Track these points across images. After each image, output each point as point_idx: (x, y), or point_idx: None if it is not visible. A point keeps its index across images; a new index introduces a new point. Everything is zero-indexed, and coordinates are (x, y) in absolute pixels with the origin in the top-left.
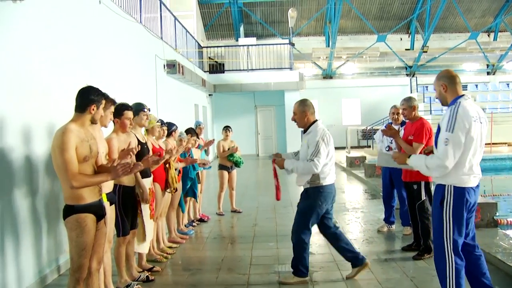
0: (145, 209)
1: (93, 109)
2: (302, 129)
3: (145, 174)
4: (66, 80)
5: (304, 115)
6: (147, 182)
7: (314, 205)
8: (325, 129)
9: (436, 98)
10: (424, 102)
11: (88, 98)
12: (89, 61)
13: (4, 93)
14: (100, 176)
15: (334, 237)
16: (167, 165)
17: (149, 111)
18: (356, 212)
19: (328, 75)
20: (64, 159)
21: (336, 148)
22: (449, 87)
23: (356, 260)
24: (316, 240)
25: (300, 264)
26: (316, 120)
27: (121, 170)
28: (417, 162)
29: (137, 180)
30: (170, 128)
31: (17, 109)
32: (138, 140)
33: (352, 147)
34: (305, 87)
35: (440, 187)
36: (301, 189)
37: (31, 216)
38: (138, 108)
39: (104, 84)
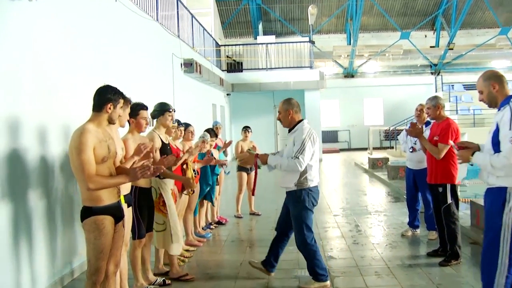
0: (170, 208)
1: (109, 108)
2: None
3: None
4: (81, 79)
5: (287, 114)
6: (170, 183)
7: (307, 206)
8: (311, 129)
9: (481, 100)
10: (449, 101)
11: (105, 97)
12: (105, 60)
13: (19, 93)
14: (118, 178)
15: (280, 240)
16: (185, 166)
17: (174, 111)
18: (379, 215)
19: (349, 74)
20: (81, 160)
21: (358, 149)
22: (500, 87)
23: (268, 265)
24: (338, 244)
25: (316, 268)
26: (302, 120)
27: (140, 172)
28: (481, 160)
29: (170, 176)
30: (186, 129)
31: (32, 109)
32: (162, 141)
33: (374, 148)
34: (325, 86)
35: (500, 190)
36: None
37: (45, 217)
38: (164, 108)
39: (120, 84)
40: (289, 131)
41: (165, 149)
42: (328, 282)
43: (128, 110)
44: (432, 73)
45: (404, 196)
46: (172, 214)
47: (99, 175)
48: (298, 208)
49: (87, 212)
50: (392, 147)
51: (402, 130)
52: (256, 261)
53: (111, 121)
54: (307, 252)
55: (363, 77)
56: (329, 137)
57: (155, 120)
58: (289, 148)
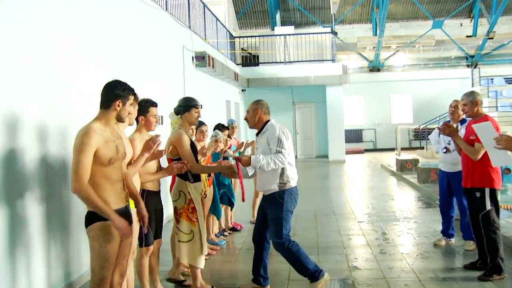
0: (200, 216)
1: (118, 105)
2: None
3: (196, 178)
4: (84, 74)
5: (255, 114)
6: (200, 188)
7: (288, 208)
8: (282, 126)
9: None
10: (488, 97)
11: (113, 93)
12: (110, 53)
13: (16, 89)
14: (105, 205)
15: (262, 249)
16: None
17: (201, 107)
18: (408, 222)
19: (375, 68)
20: (78, 160)
21: (384, 150)
22: None
23: (259, 280)
24: (363, 253)
25: (306, 265)
26: (269, 120)
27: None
28: None
29: (204, 169)
30: (198, 128)
31: (30, 107)
32: (189, 138)
33: (402, 149)
34: (349, 81)
35: None
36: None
37: (44, 223)
38: (190, 104)
39: (126, 79)
40: (257, 134)
41: (193, 147)
42: (326, 274)
43: (136, 107)
44: (468, 66)
45: (437, 202)
46: (202, 222)
47: (91, 190)
48: (278, 210)
49: (92, 218)
50: (423, 148)
51: (433, 128)
52: (247, 283)
53: (120, 119)
54: (288, 252)
55: (390, 71)
56: (353, 136)
57: (168, 117)
58: (263, 148)
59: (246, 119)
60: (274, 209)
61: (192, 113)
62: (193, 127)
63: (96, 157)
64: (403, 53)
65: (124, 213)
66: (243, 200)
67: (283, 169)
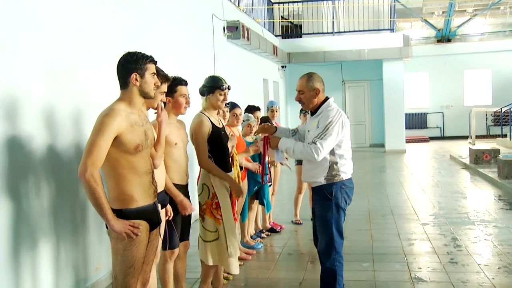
0: (226, 212)
1: (136, 79)
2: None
3: (222, 169)
4: (99, 49)
5: (315, 94)
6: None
7: (339, 204)
8: (340, 110)
9: None
10: None
11: (125, 67)
12: (128, 24)
13: (18, 66)
14: (106, 205)
15: None
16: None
17: (229, 89)
18: (486, 226)
19: (444, 38)
20: (93, 140)
21: (455, 138)
22: None
23: None
24: (428, 262)
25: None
26: (328, 98)
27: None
28: None
29: (222, 176)
30: (232, 110)
31: (33, 86)
32: (213, 124)
33: (478, 137)
34: (411, 54)
35: None
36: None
37: (53, 222)
38: (215, 85)
39: (148, 53)
40: (312, 114)
41: (218, 134)
42: None
43: (163, 89)
44: None
45: None
46: (228, 219)
47: (100, 181)
48: (326, 207)
49: (116, 215)
50: (505, 135)
51: None
52: None
53: (146, 95)
54: (329, 263)
55: (464, 40)
56: (415, 121)
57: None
58: (312, 134)
59: (299, 100)
60: (322, 205)
61: (217, 96)
62: (226, 109)
63: (120, 143)
64: (482, 19)
65: (152, 212)
66: (263, 182)
67: (333, 162)
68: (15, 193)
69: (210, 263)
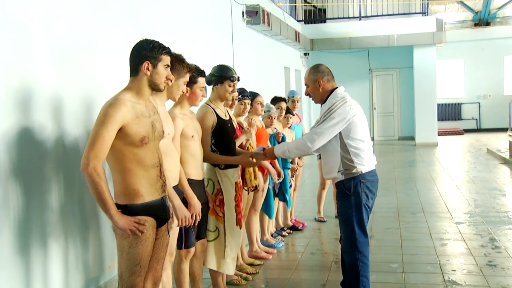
0: (228, 210)
1: (147, 69)
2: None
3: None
4: (112, 35)
5: (318, 86)
6: (233, 175)
7: (359, 201)
8: (347, 96)
9: None
10: None
11: (139, 54)
12: (140, 9)
13: (28, 54)
14: (111, 199)
15: None
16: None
17: (238, 80)
18: None
19: (483, 21)
20: (96, 132)
21: (492, 130)
22: None
23: None
24: (463, 264)
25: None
26: (336, 88)
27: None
28: None
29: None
30: (254, 99)
31: (44, 74)
32: (219, 116)
33: None
34: (445, 40)
35: None
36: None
37: (63, 219)
38: (224, 75)
39: (162, 40)
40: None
41: (223, 127)
42: None
43: (185, 79)
44: None
45: None
46: (230, 218)
47: (103, 175)
48: (346, 203)
49: (121, 212)
50: None
51: None
52: None
53: (155, 87)
54: (352, 263)
55: (504, 23)
56: (449, 112)
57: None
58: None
59: (308, 94)
60: (342, 202)
61: (226, 87)
62: (247, 101)
63: (125, 135)
64: None
65: (159, 207)
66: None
67: (343, 154)
68: (25, 185)
69: (209, 266)
